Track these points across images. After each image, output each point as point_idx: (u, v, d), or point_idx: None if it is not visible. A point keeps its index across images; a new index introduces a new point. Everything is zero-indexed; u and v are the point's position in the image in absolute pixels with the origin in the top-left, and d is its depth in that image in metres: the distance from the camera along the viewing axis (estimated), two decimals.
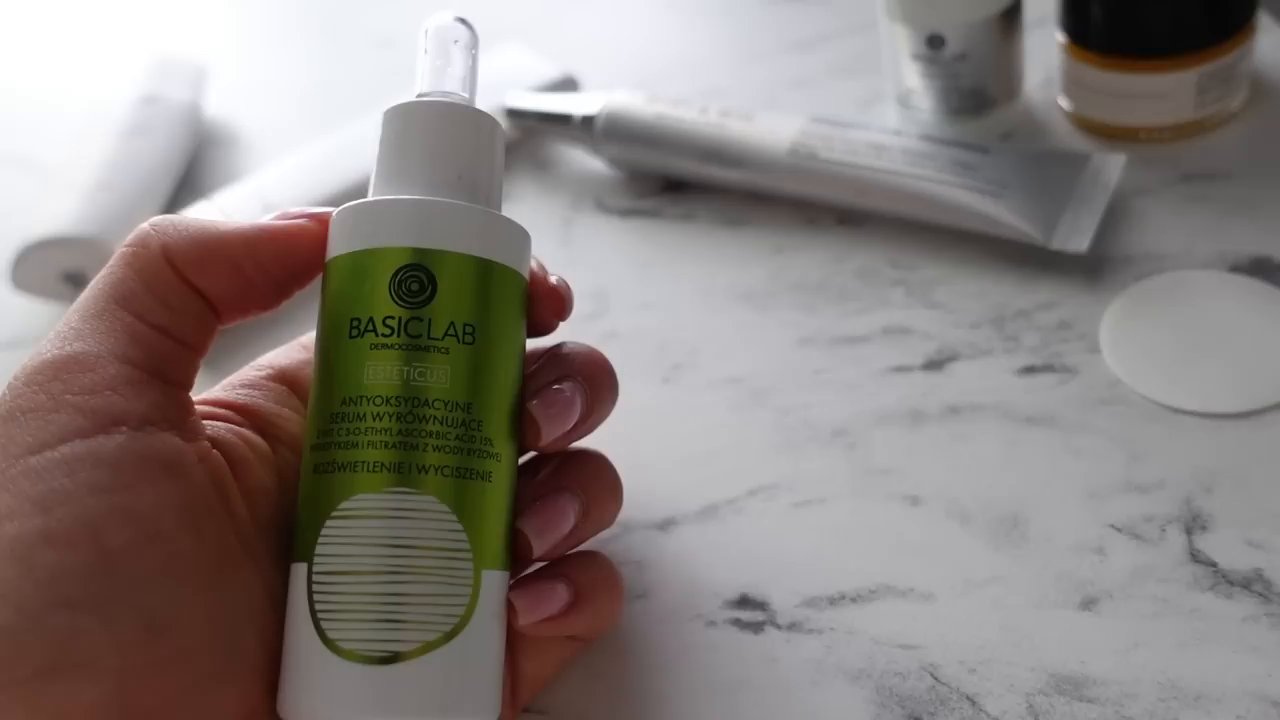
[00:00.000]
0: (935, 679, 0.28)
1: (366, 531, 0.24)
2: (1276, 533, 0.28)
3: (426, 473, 0.24)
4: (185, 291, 0.25)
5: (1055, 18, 0.40)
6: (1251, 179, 0.37)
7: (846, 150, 0.40)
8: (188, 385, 0.26)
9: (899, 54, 0.41)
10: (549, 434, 0.26)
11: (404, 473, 0.24)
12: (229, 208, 0.47)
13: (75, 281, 0.48)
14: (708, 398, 0.36)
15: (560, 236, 0.44)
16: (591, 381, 0.28)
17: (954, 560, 0.30)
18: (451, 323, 0.25)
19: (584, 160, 0.47)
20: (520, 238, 0.27)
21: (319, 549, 0.24)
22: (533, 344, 0.29)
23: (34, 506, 0.22)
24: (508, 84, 0.49)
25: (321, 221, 0.27)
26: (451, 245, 0.25)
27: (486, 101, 0.48)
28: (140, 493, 0.23)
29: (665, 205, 0.44)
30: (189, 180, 0.55)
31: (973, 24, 0.38)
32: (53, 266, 0.47)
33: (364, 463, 0.24)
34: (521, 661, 0.28)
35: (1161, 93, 0.38)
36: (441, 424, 0.24)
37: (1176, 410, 0.32)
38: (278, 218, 0.27)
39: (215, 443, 0.25)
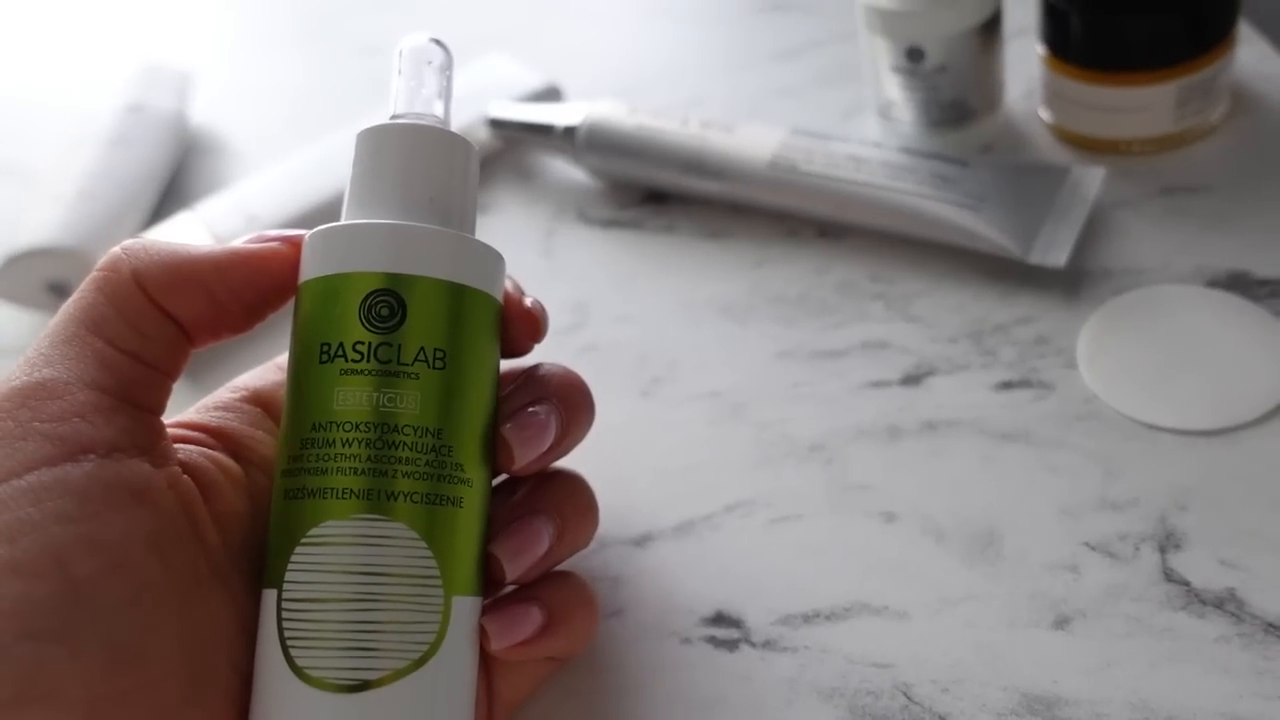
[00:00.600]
0: (908, 698, 0.28)
1: (335, 558, 0.24)
2: (1250, 552, 0.28)
3: (396, 499, 0.24)
4: (156, 316, 0.25)
5: (1036, 29, 0.40)
6: (1231, 192, 0.37)
7: (827, 163, 0.40)
8: (158, 410, 0.25)
9: (879, 66, 0.41)
10: (523, 458, 0.26)
11: (374, 499, 0.24)
12: (212, 218, 0.47)
13: (59, 291, 0.48)
14: (686, 412, 0.36)
15: (542, 247, 0.44)
16: (567, 403, 0.28)
17: (928, 578, 0.30)
18: (422, 348, 0.25)
19: (566, 171, 0.47)
20: (493, 261, 0.27)
21: (288, 575, 0.24)
22: (508, 365, 0.29)
23: (0, 537, 0.21)
24: (490, 93, 0.49)
25: (294, 245, 0.27)
26: (422, 270, 0.25)
27: (469, 111, 0.48)
28: (107, 521, 0.22)
29: (647, 216, 0.44)
30: (174, 189, 0.55)
31: (952, 36, 0.38)
32: (36, 276, 0.47)
33: (333, 489, 0.24)
34: (496, 682, 0.28)
35: (1141, 106, 0.38)
36: (411, 450, 0.24)
37: (1152, 427, 0.32)
38: (250, 240, 0.27)
39: (186, 467, 0.25)
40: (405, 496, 0.24)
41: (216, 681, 0.24)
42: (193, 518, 0.24)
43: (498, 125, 0.47)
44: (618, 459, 0.35)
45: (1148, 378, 0.33)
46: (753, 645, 0.30)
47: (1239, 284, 0.35)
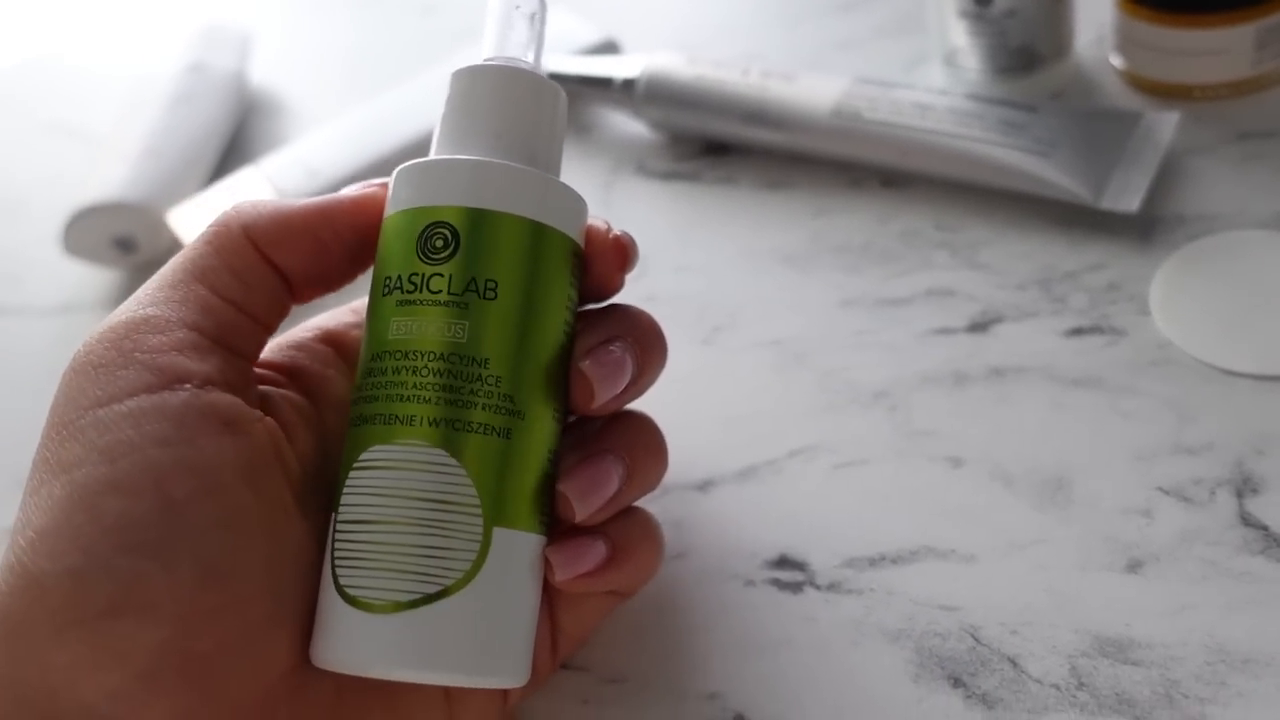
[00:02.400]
0: (976, 640, 0.28)
1: (377, 482, 0.24)
2: None
3: (437, 426, 0.24)
4: (263, 269, 0.26)
5: None
6: None
7: (891, 110, 0.39)
8: (252, 358, 0.26)
9: (945, 12, 0.40)
10: (601, 395, 0.26)
11: (414, 425, 0.24)
12: (274, 172, 0.47)
13: (124, 247, 0.49)
14: (748, 359, 0.36)
15: (600, 199, 0.44)
16: (642, 342, 0.28)
17: (996, 522, 0.30)
18: (473, 278, 0.25)
19: (625, 124, 0.47)
20: (567, 199, 0.27)
21: (343, 499, 0.24)
22: (588, 308, 0.28)
23: (101, 456, 0.22)
24: (548, 47, 0.49)
25: (381, 190, 0.27)
26: (482, 203, 0.25)
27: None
28: (202, 446, 0.23)
29: (706, 168, 0.44)
30: (235, 147, 0.56)
31: None
32: (102, 232, 0.48)
33: (380, 415, 0.24)
34: (560, 617, 0.28)
35: (1218, 49, 0.37)
36: (455, 378, 0.24)
37: (1228, 372, 0.31)
38: (353, 188, 0.27)
39: (266, 405, 0.26)
40: (446, 423, 0.24)
41: (297, 604, 0.24)
42: (278, 451, 0.25)
43: (556, 79, 0.47)
44: (679, 406, 0.35)
45: (1224, 323, 0.32)
46: (817, 588, 0.30)
47: None
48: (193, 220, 0.46)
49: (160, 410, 0.23)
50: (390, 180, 0.27)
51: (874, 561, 0.30)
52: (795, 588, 0.30)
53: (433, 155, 0.26)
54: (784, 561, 0.31)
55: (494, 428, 0.24)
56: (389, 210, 0.26)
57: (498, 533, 0.24)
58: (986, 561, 0.29)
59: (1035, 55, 0.40)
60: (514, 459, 0.25)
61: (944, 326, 0.35)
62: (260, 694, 0.23)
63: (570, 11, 0.53)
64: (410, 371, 0.24)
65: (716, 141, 0.44)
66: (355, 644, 0.23)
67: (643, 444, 0.28)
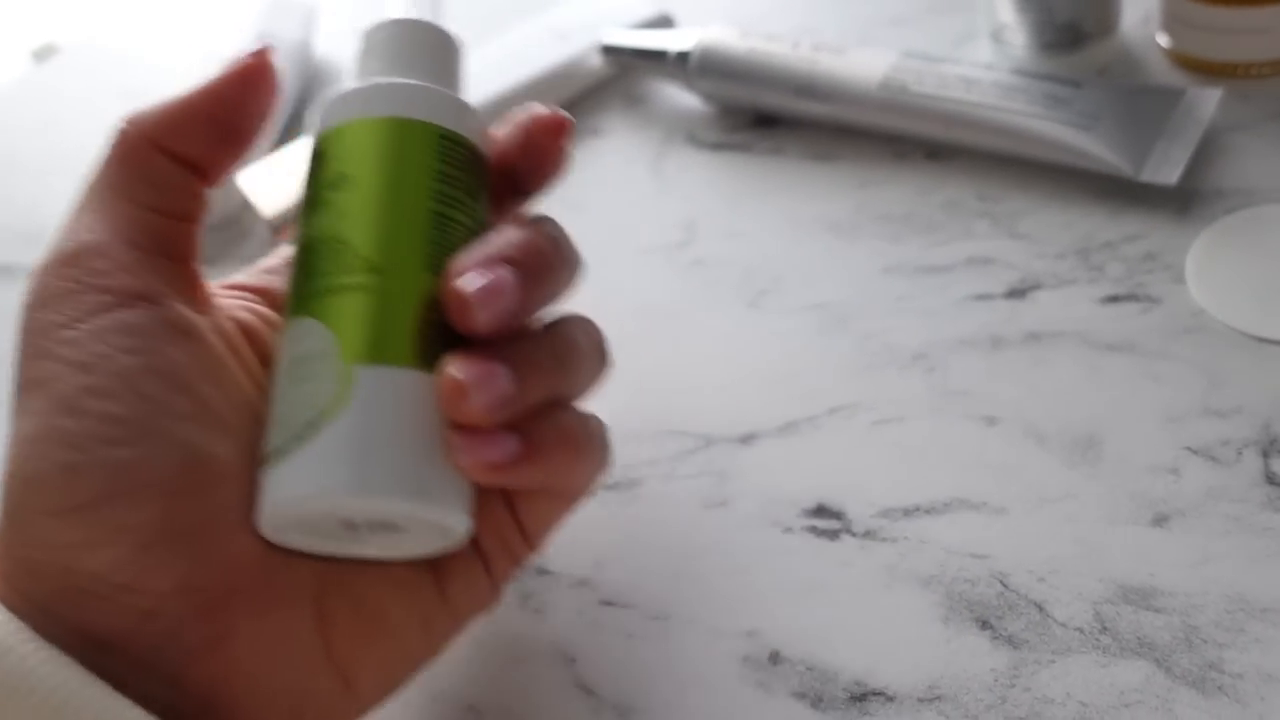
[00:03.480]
0: (1004, 586, 0.29)
1: (279, 356, 0.27)
2: None
3: (303, 300, 0.27)
4: (171, 168, 0.28)
5: None
6: None
7: (938, 84, 0.40)
8: (190, 258, 0.28)
9: None
10: (478, 316, 0.25)
11: (293, 305, 0.27)
12: None
13: None
14: (792, 322, 0.38)
15: (652, 169, 0.45)
16: (532, 264, 0.27)
17: (1028, 477, 0.31)
18: (330, 177, 0.27)
19: (677, 96, 0.48)
20: (427, 98, 0.29)
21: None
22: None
23: (76, 369, 0.25)
24: (604, 22, 0.50)
25: (263, 53, 0.29)
26: (349, 116, 0.28)
27: (583, 39, 0.50)
28: (165, 353, 0.26)
29: (755, 139, 0.45)
30: (298, 116, 0.58)
31: None
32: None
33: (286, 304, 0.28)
34: (519, 513, 0.28)
35: (1261, 27, 0.38)
36: (320, 258, 0.27)
37: (1260, 339, 0.32)
38: (231, 62, 0.29)
39: (228, 313, 0.29)
40: (312, 295, 0.26)
41: None
42: (238, 353, 0.28)
43: (611, 52, 0.48)
44: (724, 365, 0.37)
45: (1257, 292, 0.33)
46: (853, 535, 0.31)
47: None
48: (261, 181, 0.48)
49: (122, 326, 0.25)
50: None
51: (908, 512, 0.31)
52: (832, 535, 0.31)
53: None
54: (821, 510, 0.32)
55: (352, 285, 0.26)
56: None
57: (362, 370, 0.25)
58: (1017, 514, 0.30)
59: (1081, 32, 0.41)
60: (376, 305, 0.26)
61: (983, 293, 0.36)
62: (255, 556, 0.25)
63: None
64: (295, 263, 0.28)
65: (767, 114, 0.45)
66: (264, 499, 0.25)
67: (545, 262, 0.27)
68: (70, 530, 0.24)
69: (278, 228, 0.47)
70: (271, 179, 0.48)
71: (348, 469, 0.24)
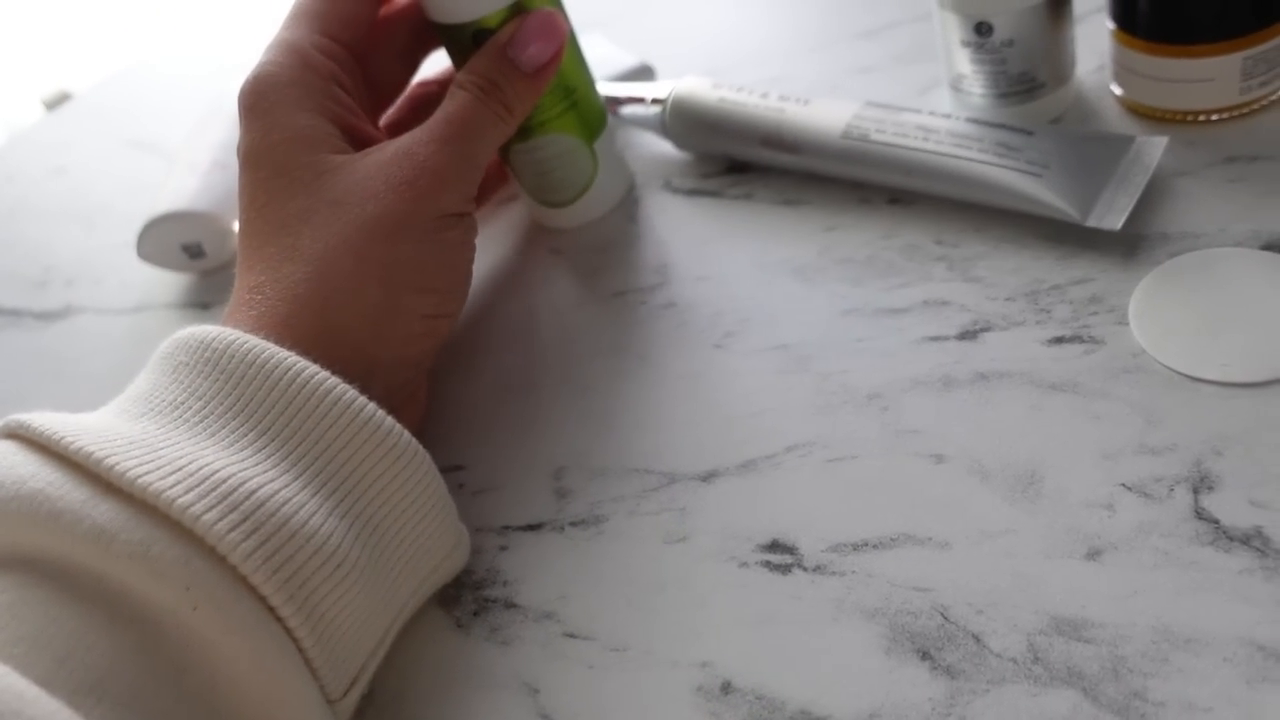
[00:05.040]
0: (945, 618, 0.30)
1: (525, 162, 0.45)
2: (1279, 494, 0.30)
3: (545, 124, 0.44)
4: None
5: (1105, 6, 0.41)
6: None
7: (896, 132, 0.42)
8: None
9: (950, 41, 0.43)
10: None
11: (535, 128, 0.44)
12: None
13: (192, 253, 0.53)
14: (755, 363, 0.39)
15: (628, 214, 0.47)
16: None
17: (972, 513, 0.32)
18: None
19: (654, 143, 0.50)
20: None
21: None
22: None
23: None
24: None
25: None
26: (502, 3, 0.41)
27: None
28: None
29: (727, 185, 0.47)
30: None
31: (1019, 11, 0.40)
32: (173, 239, 0.52)
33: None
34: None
35: (1206, 77, 0.39)
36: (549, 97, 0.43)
37: (1195, 379, 0.33)
38: None
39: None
40: (550, 120, 0.43)
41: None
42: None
43: None
44: (690, 404, 0.38)
45: (1194, 334, 0.34)
46: (804, 569, 0.33)
47: None
48: None
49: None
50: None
51: (857, 547, 0.33)
52: (784, 569, 0.33)
53: None
54: (776, 545, 0.33)
55: (568, 106, 0.44)
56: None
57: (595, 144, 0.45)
58: (959, 548, 0.32)
59: (1036, 82, 0.42)
60: (579, 111, 0.44)
61: (937, 334, 0.38)
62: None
63: (610, 40, 0.56)
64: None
65: (738, 161, 0.47)
66: (570, 218, 0.48)
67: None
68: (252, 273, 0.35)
69: None
70: None
71: (622, 191, 0.48)
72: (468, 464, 0.40)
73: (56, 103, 1.03)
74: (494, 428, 0.41)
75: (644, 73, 0.54)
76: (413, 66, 0.44)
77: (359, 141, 0.38)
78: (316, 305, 0.34)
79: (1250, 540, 0.29)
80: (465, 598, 0.35)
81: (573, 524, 0.36)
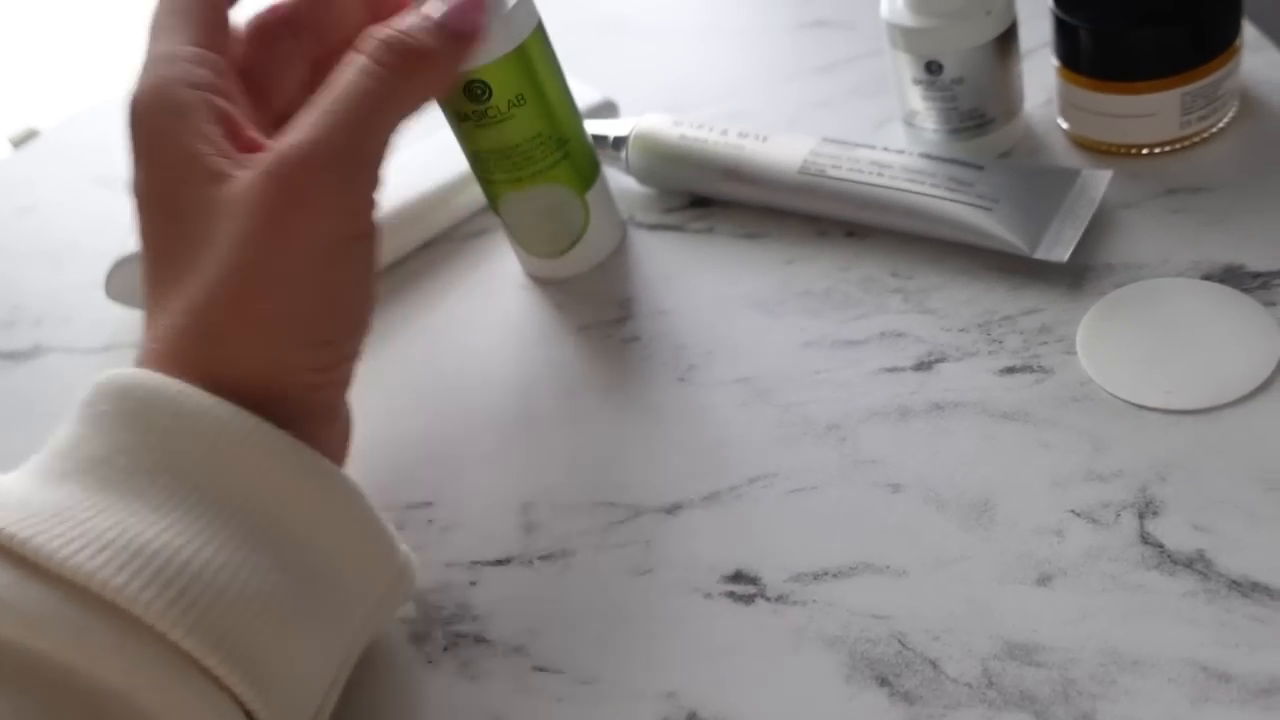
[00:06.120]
0: (903, 645, 0.31)
1: (519, 214, 0.46)
2: (1221, 518, 0.31)
3: (538, 175, 0.44)
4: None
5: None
6: (1232, 192, 0.40)
7: (852, 168, 0.43)
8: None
9: (903, 79, 0.44)
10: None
11: (527, 179, 0.44)
12: None
13: None
14: (717, 396, 0.40)
15: None
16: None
17: (927, 541, 0.33)
18: (512, 96, 0.42)
19: (618, 179, 0.51)
20: (525, 8, 0.41)
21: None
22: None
23: None
24: None
25: None
26: (491, 56, 0.40)
27: None
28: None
29: (689, 220, 0.48)
30: None
31: (967, 50, 0.41)
32: (140, 279, 0.53)
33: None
34: None
35: (1147, 112, 0.41)
36: (529, 150, 0.43)
37: (1140, 406, 0.34)
38: None
39: None
40: (543, 171, 0.43)
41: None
42: None
43: None
44: (654, 437, 0.39)
45: (1139, 362, 0.35)
46: (767, 599, 0.33)
47: (1233, 277, 0.37)
48: None
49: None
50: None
51: (818, 576, 0.33)
52: (747, 599, 0.34)
53: None
54: (739, 576, 0.34)
55: (562, 156, 0.44)
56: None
57: (587, 195, 0.45)
58: (916, 576, 0.32)
59: (986, 117, 0.44)
60: (573, 161, 0.45)
61: (893, 365, 0.39)
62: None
63: (575, 77, 0.57)
64: (489, 161, 0.44)
65: (699, 196, 0.48)
66: (573, 266, 0.47)
67: None
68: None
69: None
70: None
71: (616, 240, 0.48)
72: (436, 500, 0.40)
73: (23, 140, 1.03)
74: (462, 464, 0.41)
75: (608, 109, 0.55)
76: (306, 69, 0.39)
77: (249, 153, 0.33)
78: (205, 363, 0.31)
79: (1193, 564, 0.30)
80: (435, 634, 0.36)
81: (541, 558, 0.37)
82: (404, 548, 0.35)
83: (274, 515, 0.31)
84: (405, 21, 0.34)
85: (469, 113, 0.41)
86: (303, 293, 0.32)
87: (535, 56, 0.41)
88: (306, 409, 0.33)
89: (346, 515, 0.32)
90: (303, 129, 0.32)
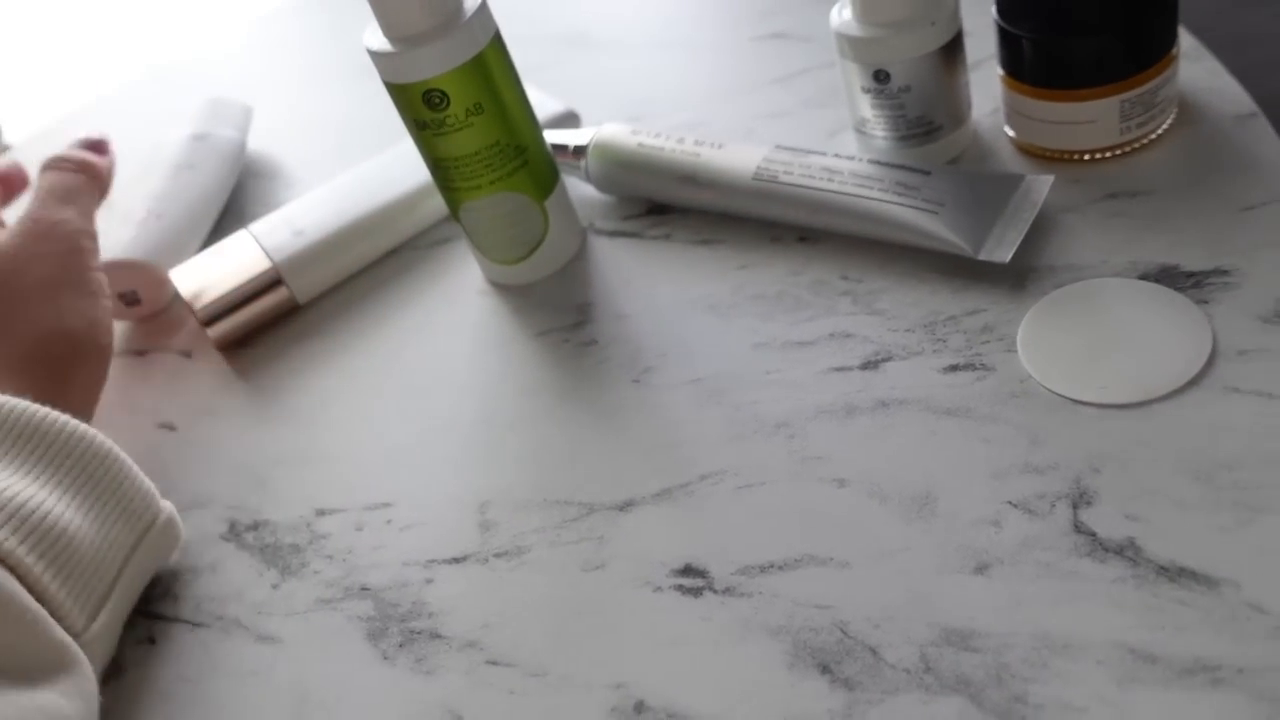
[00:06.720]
0: (844, 633, 0.32)
1: (480, 218, 0.46)
2: (1151, 507, 0.32)
3: (496, 182, 0.45)
4: None
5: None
6: (1168, 195, 0.41)
7: (803, 174, 0.44)
8: None
9: (852, 87, 0.45)
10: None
11: (486, 186, 0.45)
12: (262, 234, 0.52)
13: (128, 300, 0.54)
14: (671, 397, 0.41)
15: None
16: None
17: (870, 533, 0.34)
18: (470, 104, 0.43)
19: (579, 187, 0.52)
20: (485, 16, 0.43)
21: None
22: None
23: None
24: None
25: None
26: (449, 66, 0.42)
27: None
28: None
29: (647, 227, 0.49)
30: (233, 208, 0.61)
31: (913, 60, 0.42)
32: (110, 287, 0.53)
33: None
34: None
35: (1088, 119, 0.42)
36: (489, 157, 0.44)
37: (1076, 402, 0.35)
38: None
39: None
40: (502, 179, 0.45)
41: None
42: None
43: None
44: (609, 437, 0.40)
45: (1076, 359, 0.36)
46: (714, 592, 0.34)
47: (1168, 276, 0.38)
48: (191, 275, 0.51)
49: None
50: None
51: (764, 569, 0.34)
52: (696, 592, 0.34)
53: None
54: (688, 570, 0.35)
55: (521, 164, 0.45)
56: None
57: (546, 203, 0.47)
58: (859, 567, 0.33)
59: (933, 125, 0.45)
60: (531, 174, 0.46)
61: (841, 365, 0.40)
62: None
63: (538, 88, 0.58)
64: (450, 169, 0.45)
65: (657, 202, 0.49)
66: (527, 274, 0.48)
67: None
68: None
69: (205, 319, 0.50)
70: (200, 275, 0.51)
71: (575, 246, 0.49)
72: (395, 501, 0.41)
73: None
74: (421, 466, 0.42)
75: (570, 119, 0.56)
76: None
77: None
78: None
79: (1124, 551, 0.31)
80: (391, 630, 0.37)
81: (496, 555, 0.38)
82: (158, 497, 0.40)
83: (56, 461, 0.38)
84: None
85: (428, 121, 0.42)
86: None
87: (493, 65, 0.42)
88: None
89: (100, 458, 0.38)
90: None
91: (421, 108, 0.42)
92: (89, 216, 0.48)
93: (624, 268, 0.47)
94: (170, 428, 0.48)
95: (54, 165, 0.49)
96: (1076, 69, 0.41)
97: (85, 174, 0.49)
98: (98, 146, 0.51)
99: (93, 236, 0.47)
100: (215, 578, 0.41)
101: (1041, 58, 0.42)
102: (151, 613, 0.40)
